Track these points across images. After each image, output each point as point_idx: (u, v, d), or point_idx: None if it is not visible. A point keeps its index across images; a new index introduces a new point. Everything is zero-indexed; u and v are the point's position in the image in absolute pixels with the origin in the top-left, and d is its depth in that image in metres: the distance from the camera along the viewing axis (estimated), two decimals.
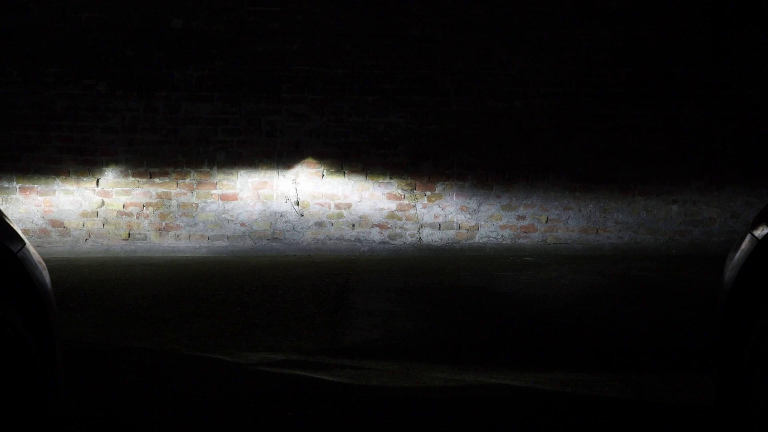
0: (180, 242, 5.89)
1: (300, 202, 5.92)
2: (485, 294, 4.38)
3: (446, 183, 5.95)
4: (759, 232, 1.65)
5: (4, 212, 1.61)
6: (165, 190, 5.87)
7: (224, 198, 5.90)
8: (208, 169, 5.88)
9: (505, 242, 5.98)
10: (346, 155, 5.91)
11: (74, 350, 3.14)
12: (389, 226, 5.95)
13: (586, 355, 3.14)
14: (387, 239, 5.95)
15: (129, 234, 5.88)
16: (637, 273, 5.08)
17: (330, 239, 5.94)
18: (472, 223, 5.98)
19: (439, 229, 5.97)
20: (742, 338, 1.65)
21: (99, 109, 5.80)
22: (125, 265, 5.35)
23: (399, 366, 2.97)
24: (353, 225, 5.94)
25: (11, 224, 1.60)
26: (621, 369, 2.94)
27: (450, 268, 5.29)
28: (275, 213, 5.92)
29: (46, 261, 1.70)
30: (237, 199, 5.90)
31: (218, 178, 5.89)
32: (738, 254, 1.71)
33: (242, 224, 5.91)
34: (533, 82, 5.91)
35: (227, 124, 5.85)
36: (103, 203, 5.85)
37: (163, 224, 5.89)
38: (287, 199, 5.91)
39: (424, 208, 5.96)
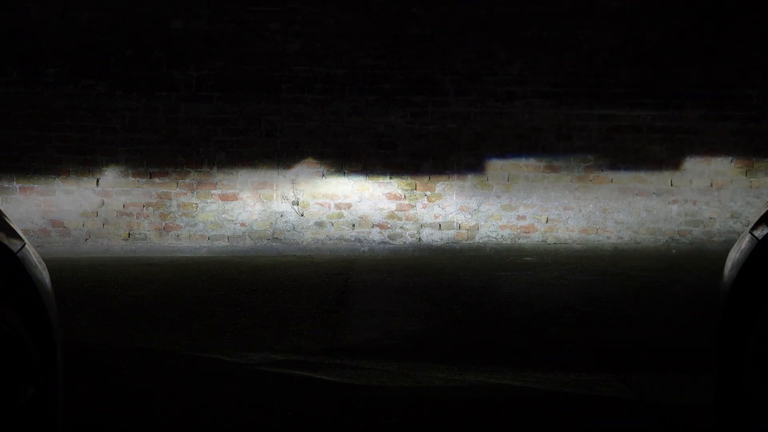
0: (180, 242, 5.89)
1: (300, 202, 5.92)
2: (485, 294, 4.38)
3: (446, 183, 5.95)
4: (759, 232, 1.65)
5: (4, 212, 1.61)
6: (165, 190, 5.87)
7: (224, 198, 5.90)
8: (208, 169, 5.88)
9: (505, 242, 5.98)
10: (346, 155, 5.91)
11: (74, 350, 3.14)
12: (389, 226, 5.95)
13: (586, 355, 3.14)
14: (387, 239, 5.95)
15: (129, 234, 5.88)
16: (637, 273, 5.08)
17: (330, 239, 5.94)
18: (472, 223, 5.98)
19: (439, 229, 5.97)
20: (742, 338, 1.65)
21: (99, 109, 5.79)
22: (125, 265, 5.34)
23: (399, 366, 2.97)
24: (353, 225, 5.94)
25: (11, 224, 1.60)
26: (621, 369, 2.93)
27: (450, 268, 5.29)
28: (275, 213, 5.92)
29: (46, 261, 1.70)
30: (237, 199, 5.90)
31: (218, 178, 5.89)
32: (738, 254, 1.71)
33: (242, 224, 5.91)
34: (533, 82, 5.91)
35: (227, 124, 5.85)
36: (103, 203, 5.85)
37: (163, 224, 5.89)
38: (287, 199, 5.91)
39: (424, 208, 5.96)
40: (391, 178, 5.95)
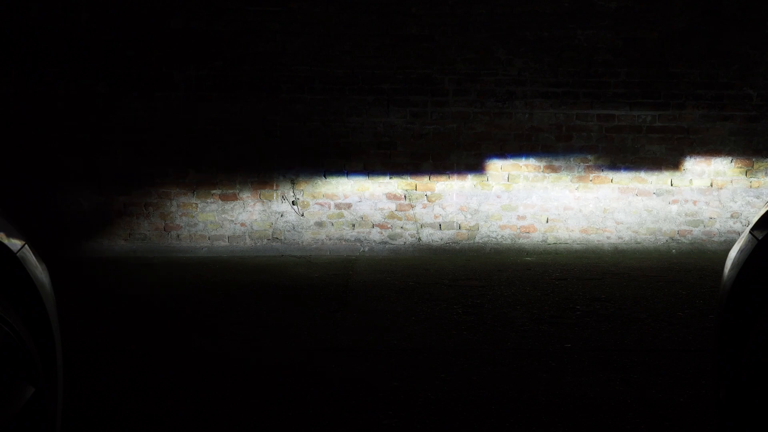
0: (180, 242, 5.89)
1: (300, 201, 5.92)
2: (485, 294, 4.38)
3: (446, 183, 5.95)
4: (759, 232, 1.65)
5: (4, 212, 1.61)
6: (165, 190, 5.87)
7: (224, 198, 5.90)
8: (208, 169, 5.87)
9: (505, 242, 5.98)
10: (346, 155, 5.91)
11: (73, 351, 3.14)
12: (389, 226, 5.95)
13: (587, 355, 3.14)
14: (387, 239, 5.95)
15: (129, 234, 5.88)
16: (637, 273, 5.08)
17: (330, 239, 5.94)
18: (472, 223, 5.98)
19: (439, 229, 5.97)
20: (742, 338, 1.64)
21: (99, 109, 5.79)
22: (125, 265, 5.35)
23: (399, 366, 2.97)
24: (353, 225, 5.94)
25: (11, 224, 1.59)
26: (622, 369, 2.94)
27: (450, 268, 5.29)
28: (275, 213, 5.92)
29: (46, 261, 1.70)
30: (237, 198, 5.90)
31: (218, 178, 5.89)
32: (738, 254, 1.71)
33: (242, 224, 5.91)
34: (533, 82, 5.91)
35: (227, 124, 5.85)
36: (104, 203, 5.85)
37: (163, 224, 5.89)
38: (287, 199, 5.91)
39: (424, 208, 5.96)
40: (391, 178, 5.95)
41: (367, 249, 5.93)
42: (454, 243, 5.97)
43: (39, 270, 1.61)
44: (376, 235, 5.95)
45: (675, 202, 6.01)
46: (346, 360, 3.05)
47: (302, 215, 5.92)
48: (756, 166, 6.01)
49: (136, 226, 5.88)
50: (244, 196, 5.90)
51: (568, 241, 6.00)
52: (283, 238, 5.93)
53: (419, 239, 5.96)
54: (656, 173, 5.99)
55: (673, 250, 5.98)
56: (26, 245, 1.59)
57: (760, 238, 1.63)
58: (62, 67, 5.73)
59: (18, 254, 1.54)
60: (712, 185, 6.01)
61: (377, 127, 5.91)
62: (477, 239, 5.98)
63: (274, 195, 5.91)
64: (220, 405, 2.52)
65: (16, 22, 5.68)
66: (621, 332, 3.51)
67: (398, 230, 5.95)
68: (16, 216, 5.83)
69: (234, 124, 5.85)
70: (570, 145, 5.96)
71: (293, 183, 5.91)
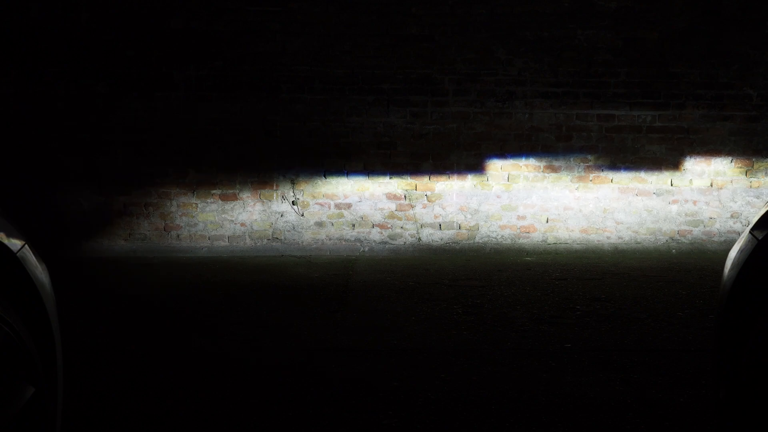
0: (180, 242, 5.89)
1: (300, 201, 5.92)
2: (485, 294, 4.38)
3: (446, 183, 5.95)
4: (759, 232, 1.65)
5: (4, 212, 1.61)
6: (165, 190, 5.87)
7: (224, 198, 5.90)
8: (208, 169, 5.87)
9: (505, 242, 5.98)
10: (346, 155, 5.91)
11: (73, 351, 3.14)
12: (389, 226, 5.95)
13: (587, 355, 3.14)
14: (387, 239, 5.95)
15: (129, 234, 5.88)
16: (637, 273, 5.08)
17: (330, 239, 5.94)
18: (472, 223, 5.98)
19: (439, 229, 5.97)
20: (742, 338, 1.64)
21: (99, 109, 5.79)
22: (125, 265, 5.35)
23: (399, 366, 2.97)
24: (353, 225, 5.94)
25: (11, 224, 1.59)
26: (622, 369, 2.94)
27: (450, 268, 5.29)
28: (275, 213, 5.92)
29: (46, 261, 1.70)
30: (237, 198, 5.90)
31: (218, 178, 5.89)
32: (738, 254, 1.71)
33: (242, 224, 5.91)
34: (533, 82, 5.91)
35: (227, 124, 5.85)
36: (104, 203, 5.85)
37: (163, 224, 5.89)
38: (287, 199, 5.91)
39: (424, 208, 5.96)
40: (391, 178, 5.95)
41: (367, 249, 5.93)
42: (454, 243, 5.97)
43: (39, 270, 1.61)
44: (376, 235, 5.95)
45: (675, 202, 6.01)
46: (346, 360, 3.05)
47: (302, 215, 5.92)
48: (756, 166, 6.01)
49: (136, 226, 5.88)
50: (244, 196, 5.90)
51: (568, 241, 6.00)
52: (283, 238, 5.93)
53: (419, 239, 5.96)
54: (656, 173, 5.99)
55: (673, 250, 5.97)
56: (26, 245, 1.59)
57: (760, 238, 1.63)
58: (62, 67, 5.73)
59: (18, 254, 1.54)
60: (712, 185, 6.01)
61: (377, 127, 5.91)
62: (477, 239, 5.98)
63: (274, 195, 5.91)
64: (220, 405, 2.52)
65: (16, 22, 5.67)
66: (621, 332, 3.51)
67: (398, 230, 5.95)
68: (16, 216, 5.82)
69: (234, 124, 5.85)
70: (570, 145, 5.96)
71: (293, 183, 5.91)
